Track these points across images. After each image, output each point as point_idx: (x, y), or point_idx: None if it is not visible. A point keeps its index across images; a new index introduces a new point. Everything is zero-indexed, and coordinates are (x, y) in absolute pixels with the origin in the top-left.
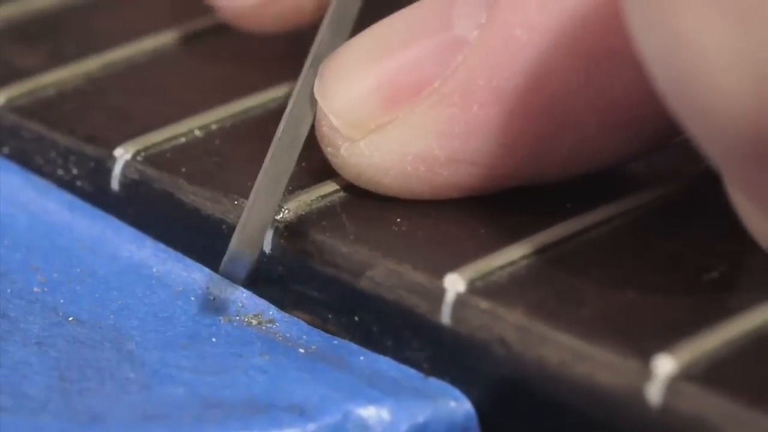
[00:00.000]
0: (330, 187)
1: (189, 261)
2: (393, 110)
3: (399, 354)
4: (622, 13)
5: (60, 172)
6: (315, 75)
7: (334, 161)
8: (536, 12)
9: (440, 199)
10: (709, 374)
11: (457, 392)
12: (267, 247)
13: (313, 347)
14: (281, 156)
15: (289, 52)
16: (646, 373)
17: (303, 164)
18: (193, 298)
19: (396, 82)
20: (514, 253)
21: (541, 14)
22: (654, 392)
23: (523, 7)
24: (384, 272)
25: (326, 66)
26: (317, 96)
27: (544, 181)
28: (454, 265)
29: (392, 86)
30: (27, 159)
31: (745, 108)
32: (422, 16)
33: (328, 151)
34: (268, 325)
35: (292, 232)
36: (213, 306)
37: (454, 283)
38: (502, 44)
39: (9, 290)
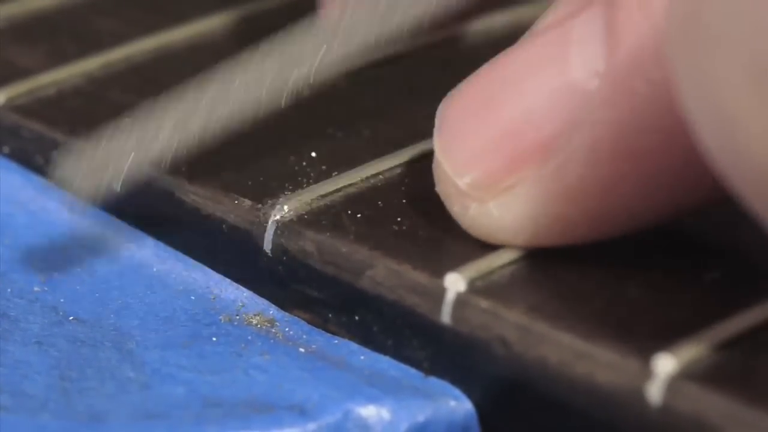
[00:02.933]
0: (330, 186)
1: (189, 260)
2: (519, 170)
3: (399, 353)
4: (674, 93)
5: None
6: (283, 68)
7: (462, 220)
8: (654, 65)
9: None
10: (709, 374)
11: (457, 392)
12: (267, 247)
13: (314, 347)
14: (197, 117)
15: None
16: (647, 373)
17: (303, 163)
18: (193, 298)
19: (519, 138)
20: (514, 253)
21: (659, 68)
22: (654, 392)
23: (641, 59)
24: (384, 272)
25: (444, 115)
26: (438, 151)
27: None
28: (454, 265)
29: (516, 143)
30: (27, 158)
31: None
32: (537, 58)
33: (454, 210)
34: (269, 324)
35: (292, 231)
36: (213, 305)
37: (455, 283)
38: (626, 100)
39: (9, 290)
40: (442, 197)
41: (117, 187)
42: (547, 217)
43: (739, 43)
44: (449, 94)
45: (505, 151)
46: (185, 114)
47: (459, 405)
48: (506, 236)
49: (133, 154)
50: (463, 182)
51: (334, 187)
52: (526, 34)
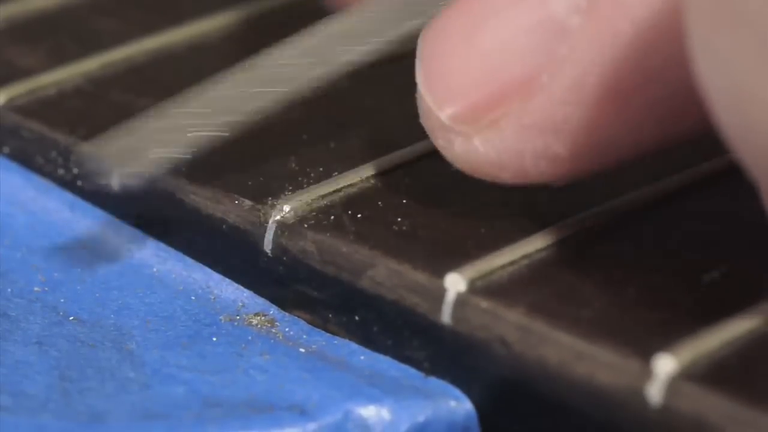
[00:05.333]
0: (330, 187)
1: (189, 260)
2: (502, 104)
3: (399, 353)
4: (689, 59)
5: (60, 171)
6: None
7: (447, 155)
8: (640, 4)
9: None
10: (709, 374)
11: (457, 392)
12: (267, 247)
13: (314, 347)
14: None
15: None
16: (647, 373)
17: (303, 164)
18: (193, 298)
19: (500, 71)
20: (514, 253)
21: (645, 8)
22: (654, 392)
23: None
24: (384, 272)
25: (425, 45)
26: (419, 83)
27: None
28: (454, 265)
29: (497, 77)
30: (27, 158)
31: None
32: None
33: (439, 143)
34: (269, 324)
35: (292, 231)
36: (213, 305)
37: (455, 283)
38: (610, 39)
39: (9, 290)
40: (427, 131)
41: (153, 167)
42: (533, 153)
43: (760, 18)
44: (430, 23)
45: (487, 85)
46: (219, 101)
47: (459, 405)
48: (492, 171)
49: (170, 136)
50: (445, 115)
51: (334, 187)
52: None
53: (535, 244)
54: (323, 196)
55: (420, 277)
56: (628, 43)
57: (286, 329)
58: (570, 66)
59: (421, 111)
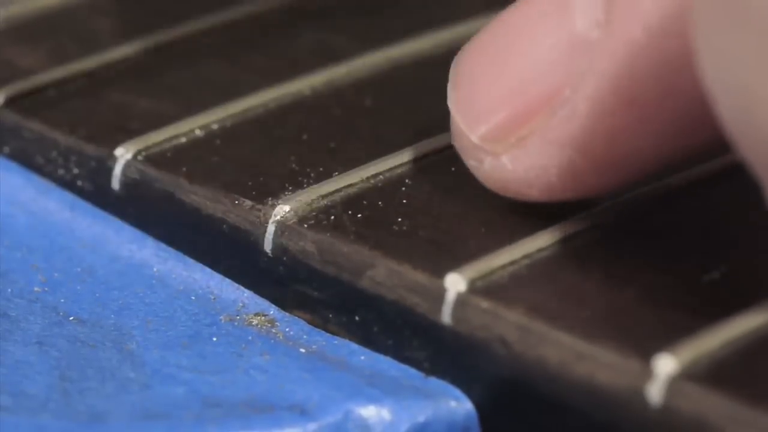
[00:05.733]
0: (330, 186)
1: (190, 260)
2: (528, 122)
3: (399, 354)
4: (695, 60)
5: (61, 171)
6: None
7: (478, 174)
8: (653, 11)
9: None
10: (709, 374)
11: (457, 392)
12: (267, 247)
13: (314, 347)
14: None
15: (287, 52)
16: (647, 373)
17: (303, 164)
18: (193, 298)
19: (527, 90)
20: (514, 253)
21: (658, 14)
22: (654, 392)
23: (640, 6)
24: (384, 272)
25: (456, 71)
26: (452, 106)
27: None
28: (454, 265)
29: (524, 96)
30: (28, 159)
31: None
32: (541, 10)
33: (471, 164)
34: (269, 324)
35: (292, 231)
36: (214, 305)
37: (455, 283)
38: (624, 48)
39: (10, 290)
40: (459, 152)
41: None
42: (558, 168)
43: (763, 17)
44: (462, 49)
45: (514, 104)
46: None
47: (459, 405)
48: (520, 188)
49: None
50: (475, 136)
51: (334, 187)
52: None
53: (535, 244)
54: (323, 196)
55: (420, 277)
56: (644, 53)
57: (287, 329)
58: (590, 79)
59: (452, 133)
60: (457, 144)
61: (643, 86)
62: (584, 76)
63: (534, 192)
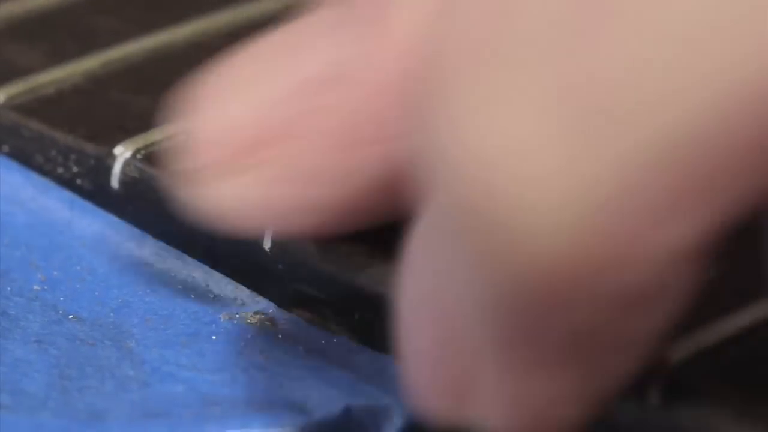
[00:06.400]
0: None
1: (189, 259)
2: (256, 152)
3: None
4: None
5: (60, 170)
6: None
7: (198, 204)
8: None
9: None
10: (708, 374)
11: None
12: (267, 245)
13: (313, 345)
14: None
15: None
16: (646, 369)
17: None
18: (193, 296)
19: (273, 116)
20: None
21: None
22: (654, 391)
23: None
24: (384, 270)
25: (205, 90)
26: (193, 125)
27: None
28: None
29: (255, 127)
30: (27, 157)
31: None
32: (282, 45)
33: (191, 191)
34: (268, 323)
35: None
36: (213, 304)
37: None
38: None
39: (9, 288)
40: (179, 176)
41: None
42: (283, 199)
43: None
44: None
45: (245, 132)
46: None
47: None
48: (243, 218)
49: None
50: (214, 155)
51: None
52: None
53: None
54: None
55: None
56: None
57: (286, 328)
58: (316, 115)
59: (182, 153)
60: (186, 165)
61: (360, 126)
62: (316, 113)
63: (254, 222)
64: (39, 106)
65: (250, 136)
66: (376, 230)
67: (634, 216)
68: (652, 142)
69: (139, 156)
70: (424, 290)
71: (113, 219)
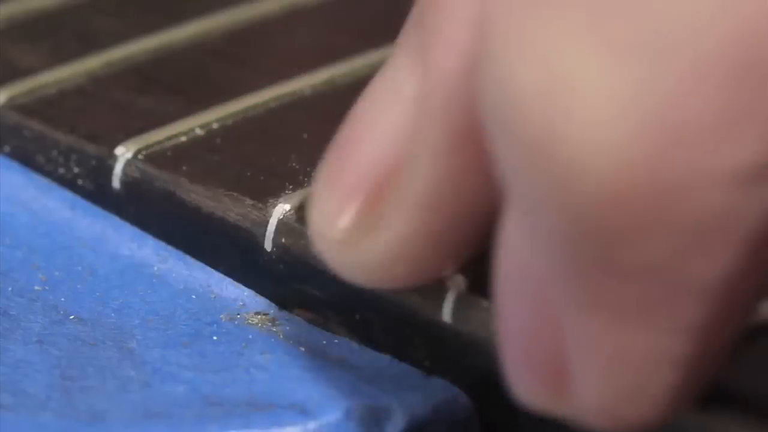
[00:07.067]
0: None
1: (190, 259)
2: (382, 198)
3: (400, 352)
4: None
5: (61, 170)
6: None
7: (345, 270)
8: (464, 39)
9: None
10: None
11: (457, 390)
12: (268, 246)
13: (314, 345)
14: None
15: (291, 54)
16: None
17: (304, 162)
18: (194, 297)
19: (376, 169)
20: None
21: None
22: None
23: (450, 38)
24: None
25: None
26: (309, 219)
27: None
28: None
29: (375, 176)
30: (28, 158)
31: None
32: (376, 96)
33: (336, 262)
34: (269, 323)
35: (292, 230)
36: (214, 304)
37: (456, 282)
38: (443, 82)
39: (10, 288)
40: (320, 253)
41: None
42: (415, 234)
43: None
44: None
45: (367, 187)
46: None
47: (459, 404)
48: (385, 270)
49: None
50: (337, 231)
51: None
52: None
53: None
54: None
55: None
56: (462, 83)
57: (287, 328)
58: (421, 125)
59: (312, 239)
60: (318, 245)
61: (463, 131)
62: (416, 126)
63: (400, 270)
64: (40, 107)
65: (373, 186)
66: None
67: (696, 136)
68: (715, 51)
69: (140, 156)
70: (516, 266)
71: (114, 219)
